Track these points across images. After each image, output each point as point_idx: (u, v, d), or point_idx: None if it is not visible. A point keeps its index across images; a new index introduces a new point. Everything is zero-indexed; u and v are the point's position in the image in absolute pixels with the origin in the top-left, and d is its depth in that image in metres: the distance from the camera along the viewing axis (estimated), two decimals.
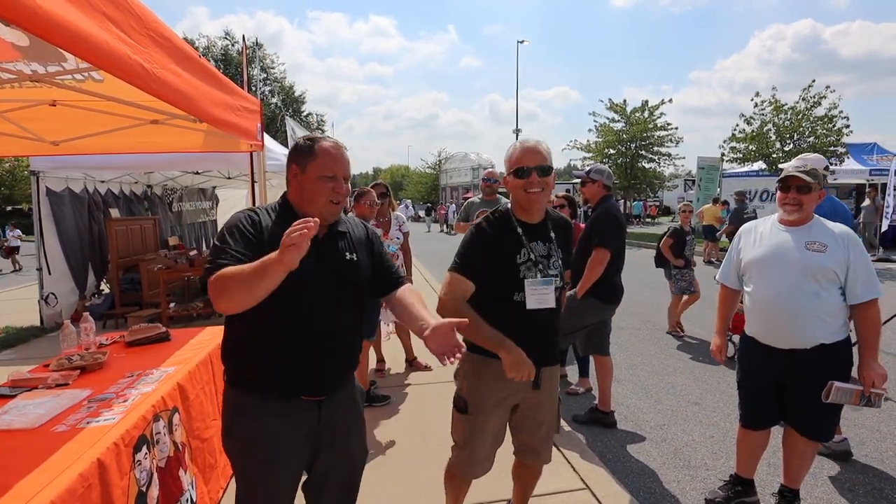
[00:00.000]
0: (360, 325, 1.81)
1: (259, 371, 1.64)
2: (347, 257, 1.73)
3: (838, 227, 2.43)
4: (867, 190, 14.91)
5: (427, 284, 9.26)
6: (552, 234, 2.07)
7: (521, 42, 32.09)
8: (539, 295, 1.97)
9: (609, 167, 4.22)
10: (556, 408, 2.23)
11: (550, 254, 2.04)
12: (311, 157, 1.64)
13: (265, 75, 34.70)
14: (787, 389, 2.51)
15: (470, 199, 5.33)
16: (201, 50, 31.07)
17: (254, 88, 23.93)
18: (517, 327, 1.97)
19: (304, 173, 1.65)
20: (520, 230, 2.03)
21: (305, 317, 1.61)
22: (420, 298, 1.79)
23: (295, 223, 1.32)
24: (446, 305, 1.97)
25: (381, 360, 4.79)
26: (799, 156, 4.05)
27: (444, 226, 19.80)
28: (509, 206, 2.11)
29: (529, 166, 1.94)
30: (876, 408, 2.40)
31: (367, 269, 1.81)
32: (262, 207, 1.71)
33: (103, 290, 7.52)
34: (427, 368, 4.84)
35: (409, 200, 23.07)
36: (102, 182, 7.60)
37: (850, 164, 15.83)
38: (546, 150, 2.00)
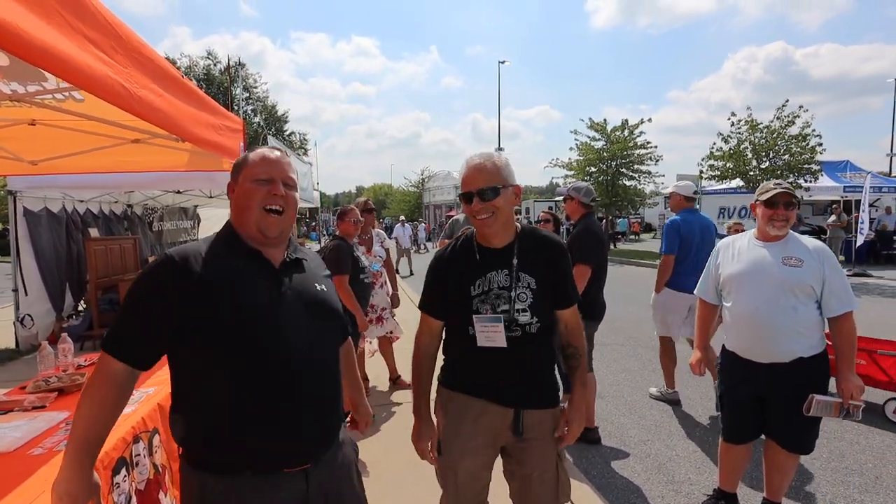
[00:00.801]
0: (338, 366, 1.58)
1: (226, 444, 1.30)
2: (318, 287, 1.51)
3: (812, 242, 2.50)
4: (832, 206, 15.34)
5: (412, 303, 9.24)
6: (514, 261, 1.78)
7: (503, 62, 32.70)
8: (487, 332, 1.75)
9: (591, 184, 4.33)
10: (553, 464, 1.86)
11: (513, 284, 1.77)
12: (243, 165, 1.45)
13: (248, 94, 34.77)
14: (768, 403, 2.55)
15: (454, 217, 5.36)
16: (183, 69, 31.05)
17: (236, 107, 23.92)
18: (474, 363, 1.82)
19: (237, 183, 1.45)
20: (478, 256, 1.82)
21: (277, 363, 1.33)
22: (353, 362, 1.89)
23: None
24: (419, 344, 1.98)
25: (364, 379, 4.75)
26: (679, 181, 4.53)
27: (414, 245, 19.85)
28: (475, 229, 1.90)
29: (471, 191, 1.73)
30: (855, 419, 2.44)
31: (339, 305, 1.60)
32: (196, 243, 1.43)
33: (81, 311, 7.36)
34: (411, 387, 4.81)
35: (403, 217, 23.00)
36: (81, 202, 7.50)
37: (825, 181, 16.28)
38: (495, 165, 1.75)
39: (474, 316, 1.76)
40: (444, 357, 1.99)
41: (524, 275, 1.78)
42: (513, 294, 1.76)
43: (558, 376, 1.97)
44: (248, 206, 1.40)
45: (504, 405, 1.82)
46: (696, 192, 4.65)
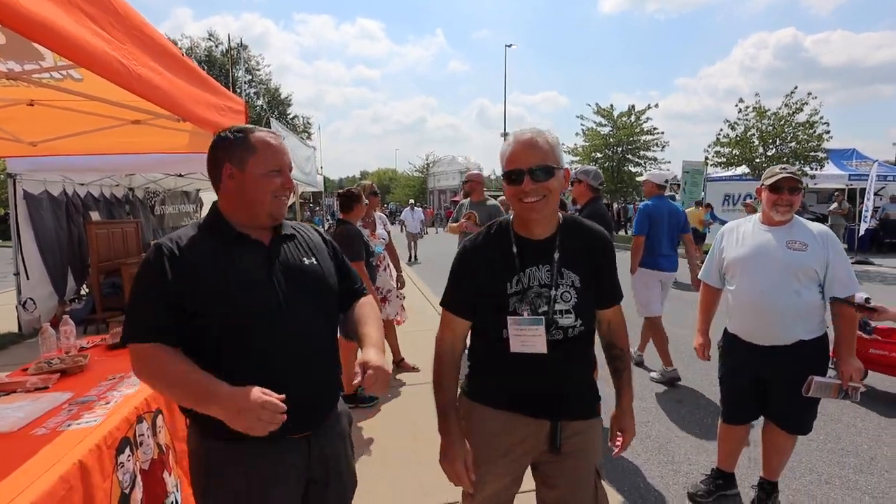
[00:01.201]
0: (333, 338, 1.60)
1: None
2: (307, 262, 1.53)
3: (817, 227, 2.49)
4: (835, 194, 15.29)
5: (416, 289, 9.25)
6: (556, 255, 1.58)
7: (509, 46, 32.31)
8: (525, 336, 1.53)
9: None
10: (592, 482, 1.67)
11: (556, 282, 1.56)
12: (249, 151, 1.43)
13: (250, 77, 34.48)
14: (768, 385, 2.56)
15: (461, 202, 5.37)
16: (184, 51, 30.78)
17: (239, 90, 23.75)
18: (506, 372, 1.61)
19: (244, 172, 1.42)
20: (516, 249, 1.59)
21: (272, 343, 1.39)
22: (377, 315, 1.70)
23: (272, 406, 1.20)
24: (442, 349, 1.68)
25: None
26: (648, 172, 5.14)
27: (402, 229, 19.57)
28: (511, 216, 1.69)
29: (521, 168, 1.50)
30: (854, 401, 2.45)
31: (333, 276, 1.61)
32: (184, 230, 1.47)
33: (84, 295, 7.38)
34: (415, 369, 4.84)
35: (412, 200, 22.82)
36: (82, 185, 7.48)
37: (830, 169, 16.17)
38: (547, 143, 1.53)
39: (510, 317, 1.54)
40: (467, 364, 1.75)
41: (567, 271, 1.58)
42: (555, 293, 1.56)
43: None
44: (262, 198, 1.44)
45: (539, 418, 1.61)
46: (666, 181, 5.23)
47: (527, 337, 1.53)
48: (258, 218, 1.46)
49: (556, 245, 1.59)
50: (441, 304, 1.70)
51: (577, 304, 1.56)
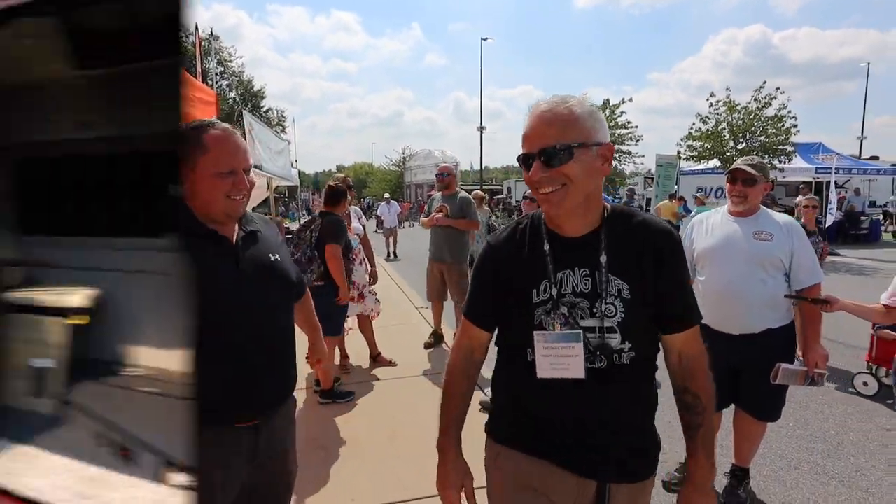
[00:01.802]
0: (293, 332, 1.68)
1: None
2: (272, 258, 1.58)
3: (782, 217, 2.56)
4: (800, 187, 15.75)
5: (392, 283, 9.23)
6: (603, 258, 1.23)
7: (485, 40, 32.32)
8: (555, 357, 1.21)
9: None
10: None
11: (598, 290, 1.22)
12: (200, 150, 1.37)
13: (222, 69, 33.69)
14: (739, 373, 2.61)
15: (433, 196, 5.39)
16: None
17: (210, 82, 23.21)
18: (535, 405, 1.29)
19: (195, 171, 1.37)
20: (547, 247, 1.27)
21: (234, 328, 1.43)
22: (310, 306, 1.96)
23: None
24: (454, 359, 1.44)
25: (344, 356, 4.74)
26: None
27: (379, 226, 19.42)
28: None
29: (531, 152, 1.20)
30: (819, 386, 2.53)
31: (294, 272, 1.72)
32: None
33: None
34: (391, 363, 4.82)
35: (387, 195, 22.77)
36: None
37: (798, 162, 16.59)
38: (572, 113, 1.18)
39: (536, 333, 1.23)
40: (491, 395, 1.47)
41: (613, 278, 1.23)
42: (601, 306, 1.21)
43: None
44: (214, 199, 1.42)
45: (582, 474, 1.26)
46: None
47: (558, 358, 1.21)
48: (215, 216, 1.47)
49: (600, 244, 1.24)
50: (462, 312, 1.46)
51: (624, 321, 1.21)
